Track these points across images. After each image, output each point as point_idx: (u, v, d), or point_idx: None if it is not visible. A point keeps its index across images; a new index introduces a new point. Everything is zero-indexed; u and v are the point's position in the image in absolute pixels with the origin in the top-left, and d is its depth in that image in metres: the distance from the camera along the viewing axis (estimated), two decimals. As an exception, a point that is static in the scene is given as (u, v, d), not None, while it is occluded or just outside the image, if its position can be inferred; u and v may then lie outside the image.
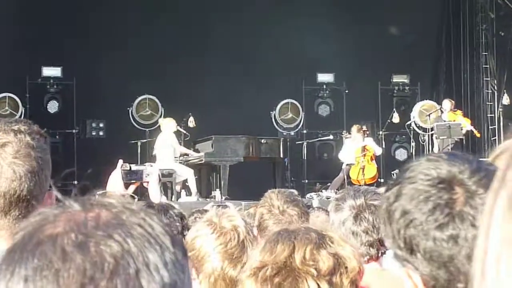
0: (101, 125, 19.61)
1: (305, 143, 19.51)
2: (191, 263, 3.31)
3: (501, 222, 0.75)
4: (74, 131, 19.46)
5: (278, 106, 20.31)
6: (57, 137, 19.38)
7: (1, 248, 2.10)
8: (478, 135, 18.14)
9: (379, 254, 3.43)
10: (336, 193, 16.98)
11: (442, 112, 17.74)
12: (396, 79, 21.09)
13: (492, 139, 20.10)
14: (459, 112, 17.74)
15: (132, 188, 4.19)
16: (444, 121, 17.39)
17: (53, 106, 19.62)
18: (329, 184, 18.33)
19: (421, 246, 1.79)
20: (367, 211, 3.39)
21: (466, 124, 17.37)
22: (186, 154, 16.74)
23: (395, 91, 21.13)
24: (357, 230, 3.38)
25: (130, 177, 4.09)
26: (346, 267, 2.32)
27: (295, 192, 6.40)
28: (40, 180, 2.22)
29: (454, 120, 17.32)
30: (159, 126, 16.96)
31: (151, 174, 4.13)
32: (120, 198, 1.09)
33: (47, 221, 1.04)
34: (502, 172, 0.76)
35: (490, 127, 20.29)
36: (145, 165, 4.33)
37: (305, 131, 20.57)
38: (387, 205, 1.87)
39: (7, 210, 2.17)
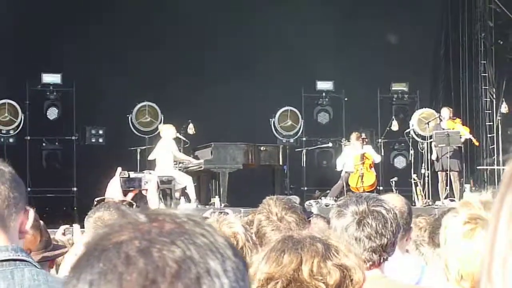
0: (100, 132, 19.62)
1: (304, 151, 19.52)
2: None
3: (507, 226, 0.76)
4: (73, 137, 19.46)
5: (278, 114, 20.34)
6: (57, 143, 19.42)
7: None
8: (476, 143, 18.17)
9: (381, 260, 3.41)
10: (335, 200, 17.01)
11: (441, 120, 17.75)
12: (395, 87, 21.11)
13: (490, 147, 20.11)
14: (458, 120, 17.76)
15: (130, 195, 4.20)
16: (443, 129, 17.40)
17: (52, 113, 19.63)
18: (328, 191, 18.33)
19: None
20: (370, 217, 3.37)
21: (464, 133, 17.39)
22: (186, 161, 16.75)
23: (394, 99, 21.15)
24: (360, 236, 3.36)
25: (128, 184, 4.11)
26: (351, 279, 2.35)
27: (297, 198, 6.42)
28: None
29: (453, 128, 17.34)
30: (159, 132, 16.97)
31: (149, 181, 4.14)
32: (185, 210, 1.13)
33: (113, 230, 1.07)
34: (509, 177, 0.77)
35: (488, 135, 20.30)
36: (143, 173, 4.35)
37: (304, 139, 20.59)
38: None
39: None
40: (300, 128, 20.55)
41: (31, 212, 2.48)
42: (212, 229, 1.08)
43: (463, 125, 17.76)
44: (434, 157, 17.58)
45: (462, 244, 2.69)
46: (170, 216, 1.08)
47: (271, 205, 4.26)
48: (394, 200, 4.59)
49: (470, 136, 17.55)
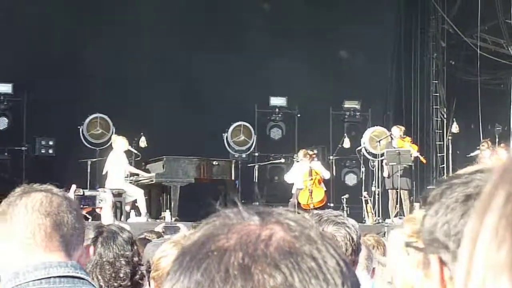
0: (50, 142, 19.40)
1: (256, 166, 19.52)
2: (155, 283, 3.30)
3: (487, 248, 0.74)
4: (23, 148, 19.22)
5: (231, 128, 20.33)
6: (6, 154, 19.15)
7: None
8: (424, 161, 18.33)
9: None
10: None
11: (392, 138, 17.91)
12: (348, 104, 21.26)
13: (440, 166, 20.34)
14: (407, 139, 17.91)
15: (83, 212, 4.14)
16: (394, 147, 17.55)
17: (2, 123, 19.37)
18: (280, 207, 18.31)
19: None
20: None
21: (413, 151, 17.54)
22: (136, 174, 16.62)
23: (346, 116, 21.29)
24: None
25: (83, 202, 4.06)
26: None
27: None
28: (79, 239, 2.51)
29: (402, 147, 17.49)
30: (111, 144, 16.81)
31: (104, 200, 4.09)
32: (301, 219, 1.06)
33: (223, 231, 1.03)
34: (488, 196, 0.76)
35: (438, 154, 20.53)
36: (98, 191, 4.30)
37: (257, 154, 20.60)
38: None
39: None
40: (252, 143, 20.56)
41: (91, 249, 2.51)
42: (324, 247, 1.03)
43: (412, 143, 17.91)
44: (385, 174, 17.71)
45: (404, 258, 2.72)
46: (283, 226, 1.04)
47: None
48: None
49: (418, 154, 17.71)
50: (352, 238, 3.39)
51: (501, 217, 0.72)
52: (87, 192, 4.13)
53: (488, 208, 0.74)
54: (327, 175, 17.83)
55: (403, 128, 18.04)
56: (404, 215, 17.02)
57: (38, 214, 2.38)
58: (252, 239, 1.01)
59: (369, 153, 19.32)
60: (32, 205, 2.40)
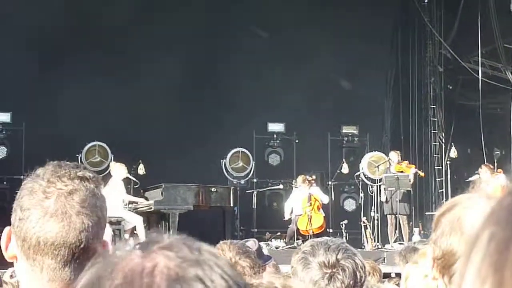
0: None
1: (255, 192, 19.48)
2: None
3: (472, 285, 0.75)
4: (22, 177, 19.16)
5: (229, 155, 20.33)
6: (5, 183, 19.12)
7: None
8: (422, 174, 18.26)
9: None
10: (286, 243, 17.03)
11: (390, 164, 17.94)
12: (346, 129, 21.29)
13: (439, 191, 20.32)
14: (404, 162, 17.92)
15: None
16: (392, 172, 17.57)
17: (1, 152, 19.39)
18: (278, 233, 18.35)
19: None
20: (341, 272, 3.23)
21: (411, 175, 17.51)
22: (135, 202, 16.60)
23: (344, 141, 21.31)
24: None
25: None
26: None
27: (255, 241, 6.40)
28: (102, 230, 2.14)
29: (401, 172, 17.51)
30: (109, 171, 16.80)
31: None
32: (184, 243, 1.05)
33: (107, 271, 1.01)
34: (475, 236, 0.77)
35: (437, 179, 20.52)
36: None
37: (255, 180, 20.58)
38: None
39: (69, 261, 2.07)
40: (251, 170, 20.55)
41: None
42: (211, 268, 1.01)
43: (408, 164, 17.91)
44: (383, 198, 17.71)
45: None
46: (166, 251, 1.02)
47: (225, 250, 4.24)
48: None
49: (415, 171, 17.64)
50: (364, 266, 3.35)
51: (485, 256, 0.74)
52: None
53: (474, 247, 0.75)
54: (326, 199, 17.82)
55: (399, 153, 18.08)
56: (403, 241, 17.01)
57: None
58: (136, 274, 0.99)
59: (367, 178, 19.31)
60: None
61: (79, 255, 2.07)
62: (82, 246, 2.06)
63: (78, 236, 2.06)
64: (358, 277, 3.27)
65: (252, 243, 6.10)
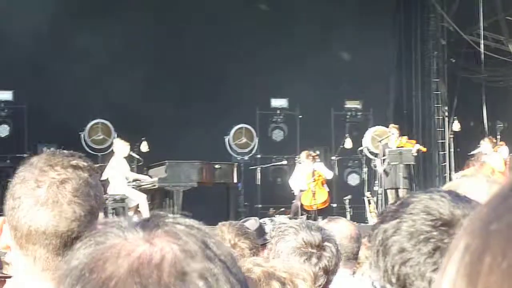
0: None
1: (259, 168, 19.50)
2: None
3: None
4: (25, 155, 19.20)
5: (232, 131, 20.33)
6: (8, 161, 19.12)
7: None
8: (424, 149, 18.21)
9: None
10: (290, 219, 17.05)
11: (390, 138, 17.92)
12: (349, 104, 21.25)
13: (442, 164, 20.32)
14: (404, 138, 17.87)
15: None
16: (390, 147, 17.54)
17: (4, 130, 19.40)
18: (283, 209, 18.37)
19: (415, 286, 1.74)
20: (319, 251, 3.34)
21: (414, 146, 17.47)
22: (138, 180, 16.62)
23: (347, 116, 21.28)
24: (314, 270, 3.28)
25: None
26: None
27: (257, 220, 6.42)
28: (96, 219, 2.11)
29: (401, 146, 17.48)
30: (113, 148, 16.80)
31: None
32: (192, 227, 1.02)
33: (110, 254, 0.97)
34: (452, 247, 0.76)
35: (440, 152, 20.52)
36: None
37: (259, 156, 20.58)
38: (383, 238, 1.81)
39: (61, 250, 2.04)
40: (254, 146, 20.55)
41: None
42: (215, 265, 0.98)
43: (408, 139, 17.88)
44: (380, 169, 17.70)
45: None
46: (173, 241, 0.98)
47: (224, 232, 4.25)
48: (344, 227, 4.63)
49: (417, 147, 17.59)
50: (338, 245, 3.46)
51: (459, 267, 0.73)
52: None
53: (450, 258, 0.75)
54: (329, 175, 17.82)
55: (398, 127, 18.01)
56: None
57: None
58: (144, 265, 0.96)
59: (371, 153, 19.31)
60: None
61: (71, 244, 2.03)
62: (74, 235, 2.04)
63: (69, 225, 2.05)
64: (334, 257, 3.36)
65: (252, 222, 6.12)
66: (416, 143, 17.86)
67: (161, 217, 1.02)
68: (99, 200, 2.15)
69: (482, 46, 19.27)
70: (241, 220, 6.41)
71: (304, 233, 3.38)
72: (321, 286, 3.30)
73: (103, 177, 16.24)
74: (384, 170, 17.52)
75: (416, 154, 17.51)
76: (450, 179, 18.74)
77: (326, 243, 3.37)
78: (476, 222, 0.74)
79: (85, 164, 2.15)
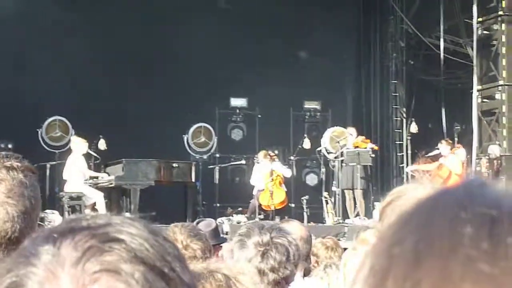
0: (9, 146, 19.17)
1: (217, 167, 19.48)
2: None
3: None
4: (-19, 151, 18.98)
5: (191, 130, 20.26)
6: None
7: None
8: (376, 148, 18.30)
9: None
10: (247, 218, 17.06)
11: (348, 140, 18.02)
12: (308, 105, 21.32)
13: (400, 165, 20.47)
14: (360, 137, 17.98)
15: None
16: (348, 148, 17.65)
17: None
18: (240, 208, 18.38)
19: None
20: (273, 249, 3.41)
21: (367, 146, 17.58)
22: (96, 177, 16.51)
23: (306, 117, 21.35)
24: (264, 268, 3.40)
25: None
26: None
27: (213, 221, 6.40)
28: (32, 220, 2.10)
29: (357, 146, 17.60)
30: (70, 145, 16.68)
31: (52, 222, 4.05)
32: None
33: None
34: (359, 268, 0.77)
35: (398, 154, 20.67)
36: (46, 213, 4.25)
37: (217, 155, 20.55)
38: None
39: None
40: (213, 145, 20.51)
41: None
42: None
43: (365, 140, 17.98)
44: (331, 156, 17.81)
45: None
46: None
47: (176, 233, 4.24)
48: (296, 229, 4.65)
49: (370, 146, 17.71)
50: (297, 245, 3.54)
51: (364, 286, 0.74)
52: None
53: (358, 276, 0.75)
54: (288, 173, 17.85)
55: (355, 129, 18.13)
56: (360, 216, 17.15)
57: None
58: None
59: (329, 153, 19.36)
60: None
61: (7, 245, 2.05)
62: (8, 236, 2.04)
63: (2, 226, 2.04)
64: (291, 253, 3.43)
65: (208, 222, 6.10)
66: (370, 142, 17.97)
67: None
68: (35, 201, 2.13)
69: (442, 48, 19.43)
70: (197, 220, 6.40)
71: (255, 235, 3.41)
72: (273, 283, 3.34)
73: (64, 176, 16.13)
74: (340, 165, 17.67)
75: (372, 154, 17.61)
76: (407, 180, 18.88)
77: (275, 240, 3.42)
78: (381, 244, 0.75)
79: (19, 165, 2.14)
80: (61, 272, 0.92)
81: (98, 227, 0.95)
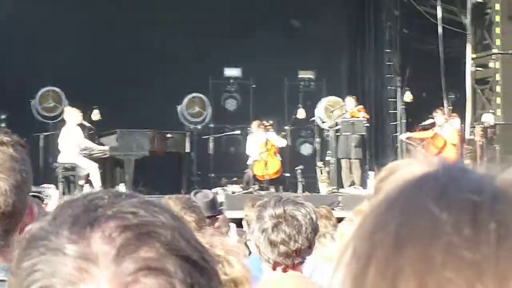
0: (2, 117, 19.14)
1: (211, 138, 19.46)
2: None
3: None
4: (-25, 124, 18.95)
5: (185, 100, 20.21)
6: (-44, 129, 18.87)
7: None
8: (367, 117, 18.21)
9: (294, 264, 3.54)
10: (242, 188, 17.08)
11: (346, 110, 18.00)
12: (302, 74, 21.27)
13: (393, 135, 20.47)
14: (358, 107, 17.91)
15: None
16: (343, 118, 17.64)
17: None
18: (235, 178, 18.38)
19: None
20: (284, 222, 3.48)
21: (359, 115, 17.53)
22: (91, 148, 16.48)
23: (301, 86, 21.30)
24: (275, 240, 3.48)
25: None
26: None
27: (210, 192, 6.39)
28: (24, 194, 2.09)
29: (352, 116, 17.57)
30: (64, 116, 16.64)
31: (49, 196, 4.03)
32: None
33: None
34: (342, 251, 0.76)
35: (391, 123, 20.65)
36: (44, 187, 4.24)
37: (212, 125, 20.52)
38: None
39: None
40: (207, 115, 20.47)
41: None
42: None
43: (359, 110, 17.93)
44: (326, 126, 17.83)
45: None
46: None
47: (170, 205, 4.23)
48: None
49: (363, 115, 17.64)
50: (312, 218, 3.56)
51: (346, 273, 0.73)
52: (33, 188, 4.03)
53: (341, 260, 0.75)
54: (282, 143, 17.84)
55: (355, 98, 18.09)
56: (355, 185, 17.18)
57: None
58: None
59: (323, 123, 19.35)
60: None
61: (0, 220, 2.04)
62: (1, 210, 2.03)
63: None
64: (303, 227, 3.49)
65: (204, 194, 6.10)
66: (363, 111, 17.88)
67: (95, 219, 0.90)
68: (26, 175, 2.12)
69: (439, 17, 19.33)
70: (194, 191, 6.39)
71: (271, 207, 3.52)
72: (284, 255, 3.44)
73: (60, 147, 16.10)
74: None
75: (367, 124, 17.57)
76: (401, 149, 18.91)
77: (288, 213, 3.50)
78: (363, 229, 0.74)
79: (9, 139, 2.13)
80: (96, 271, 0.86)
81: (126, 216, 0.90)
